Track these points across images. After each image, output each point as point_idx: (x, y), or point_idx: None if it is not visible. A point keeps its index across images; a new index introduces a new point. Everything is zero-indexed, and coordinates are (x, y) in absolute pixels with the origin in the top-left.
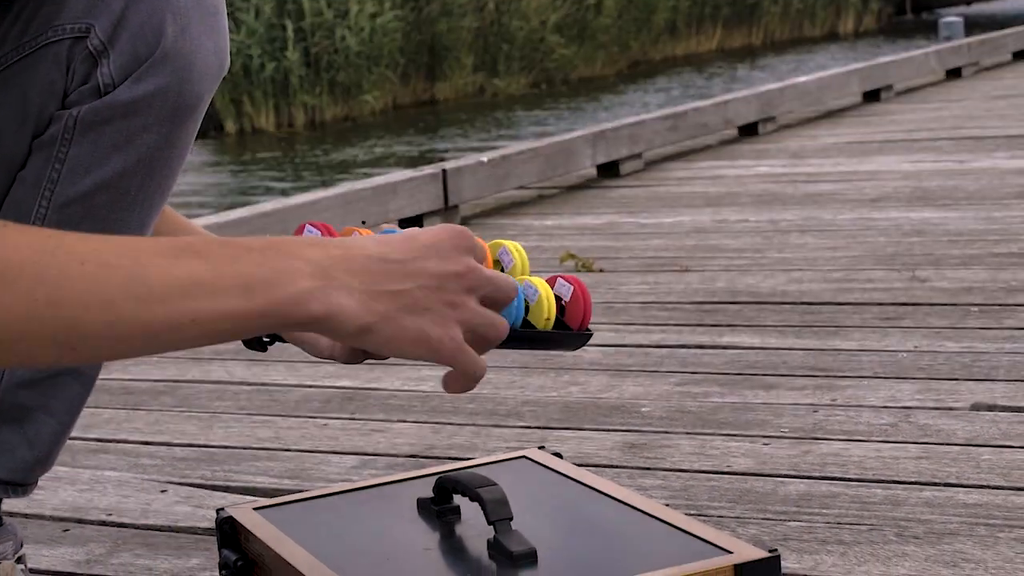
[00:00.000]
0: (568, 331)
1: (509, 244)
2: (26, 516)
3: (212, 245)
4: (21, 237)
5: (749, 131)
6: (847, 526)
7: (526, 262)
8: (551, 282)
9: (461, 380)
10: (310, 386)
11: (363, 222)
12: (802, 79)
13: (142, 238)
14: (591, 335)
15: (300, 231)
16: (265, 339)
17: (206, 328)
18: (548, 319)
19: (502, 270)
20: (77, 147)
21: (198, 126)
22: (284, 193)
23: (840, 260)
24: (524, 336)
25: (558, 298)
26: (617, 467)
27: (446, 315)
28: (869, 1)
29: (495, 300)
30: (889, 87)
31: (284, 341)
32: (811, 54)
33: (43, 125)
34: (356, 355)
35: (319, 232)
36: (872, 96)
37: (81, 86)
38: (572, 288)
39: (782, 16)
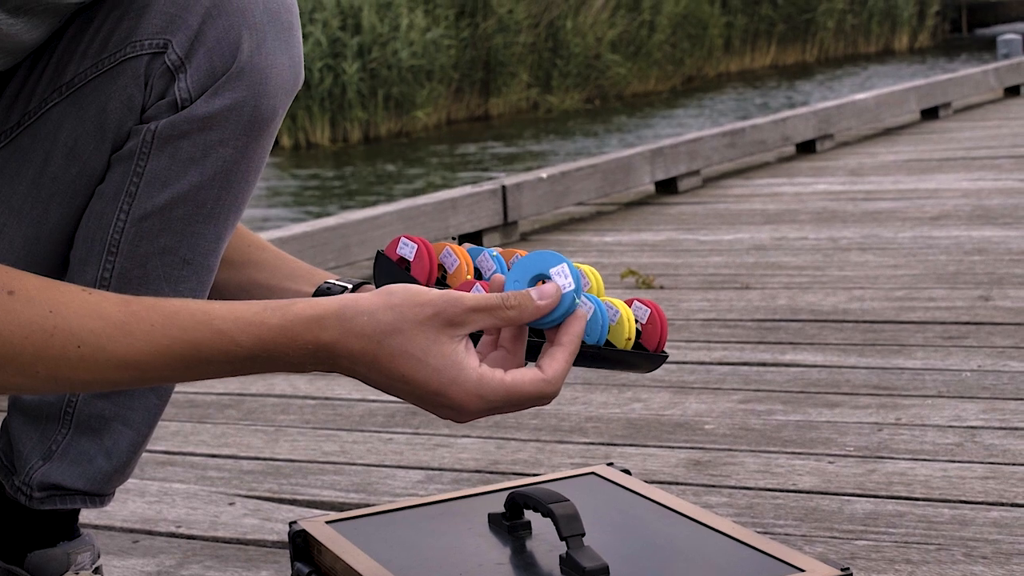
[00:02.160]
0: (646, 352)
1: (585, 268)
2: (96, 527)
3: (208, 336)
4: (23, 314)
5: (807, 148)
6: (915, 545)
7: (601, 283)
8: (628, 302)
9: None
10: (373, 400)
11: (454, 238)
12: (860, 96)
13: (137, 313)
14: (667, 357)
15: (395, 244)
16: None
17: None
18: (629, 339)
19: (580, 288)
20: (155, 161)
21: (273, 140)
22: (344, 207)
23: (901, 278)
24: (605, 355)
25: (635, 320)
26: (682, 484)
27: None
28: (925, 18)
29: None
30: (947, 105)
31: None
32: (866, 70)
33: (122, 139)
34: None
35: (415, 246)
36: (930, 114)
37: (159, 101)
38: (649, 311)
39: (836, 32)
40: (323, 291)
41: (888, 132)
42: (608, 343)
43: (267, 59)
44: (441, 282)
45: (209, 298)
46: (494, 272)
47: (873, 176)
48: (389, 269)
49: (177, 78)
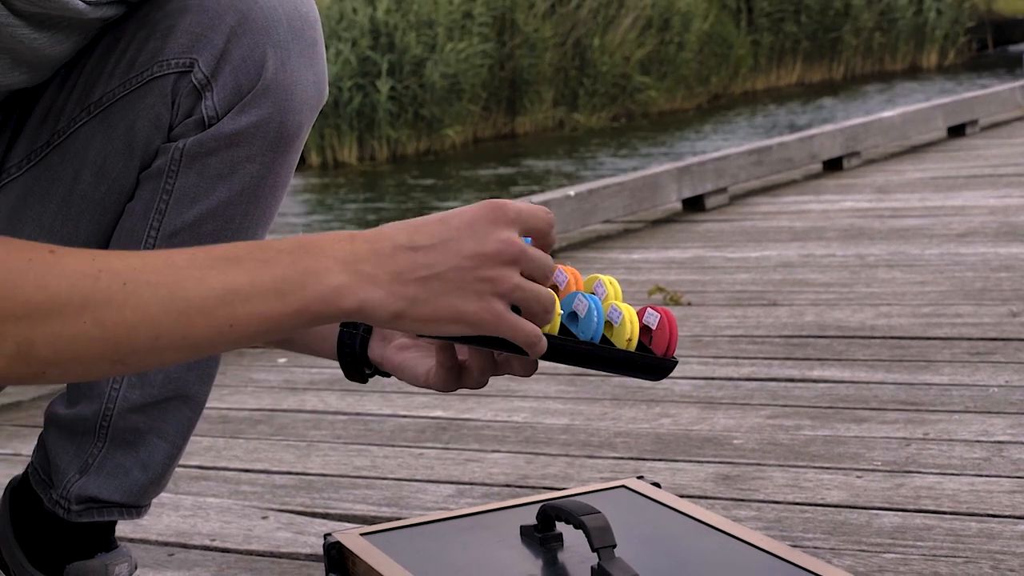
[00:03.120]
0: (650, 355)
1: (604, 278)
2: (132, 540)
3: (245, 250)
4: (67, 263)
5: (834, 166)
6: (942, 558)
7: (619, 292)
8: (641, 312)
9: (519, 363)
10: (404, 416)
11: None
12: (886, 114)
13: (178, 250)
14: (675, 363)
15: None
16: (367, 371)
17: (244, 331)
18: (630, 340)
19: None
20: (184, 178)
21: (299, 155)
22: (372, 224)
23: (928, 295)
24: (604, 355)
25: (647, 327)
26: (711, 498)
27: (482, 290)
28: (951, 35)
29: (532, 275)
30: (974, 122)
31: (385, 375)
32: (893, 88)
33: (150, 157)
34: (450, 382)
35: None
36: (957, 131)
37: (186, 119)
38: (660, 316)
39: (863, 50)
40: None
41: (915, 149)
42: (607, 341)
43: (292, 76)
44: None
45: None
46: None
47: (900, 193)
48: None
49: (204, 96)
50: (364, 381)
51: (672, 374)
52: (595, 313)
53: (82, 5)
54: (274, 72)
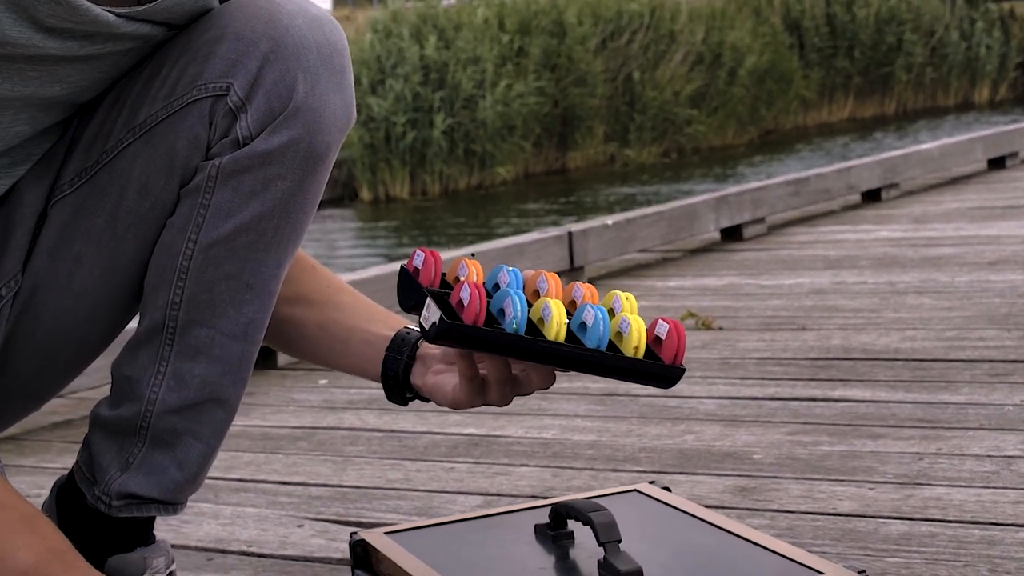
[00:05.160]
0: (657, 362)
1: (621, 294)
2: (173, 546)
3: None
4: None
5: (872, 197)
6: (943, 562)
7: (635, 307)
8: (653, 323)
9: (537, 375)
10: (438, 433)
11: (472, 254)
12: (925, 146)
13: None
14: (682, 370)
15: (413, 256)
16: (408, 395)
17: None
18: (637, 348)
19: (611, 312)
20: (220, 194)
21: (328, 174)
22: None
23: (954, 320)
24: (614, 362)
25: (657, 338)
26: (727, 508)
27: None
28: (1004, 70)
29: None
30: (1014, 154)
31: (425, 400)
32: (944, 123)
33: (189, 175)
34: (472, 395)
35: (424, 256)
36: (997, 163)
37: (222, 139)
38: (668, 327)
39: (915, 86)
40: (401, 337)
41: (954, 181)
42: (616, 350)
43: (321, 99)
44: (444, 286)
45: (288, 335)
46: (508, 284)
47: (936, 223)
48: (404, 278)
49: (239, 118)
50: (405, 404)
51: (698, 394)
52: (601, 323)
53: (113, 19)
54: (304, 95)
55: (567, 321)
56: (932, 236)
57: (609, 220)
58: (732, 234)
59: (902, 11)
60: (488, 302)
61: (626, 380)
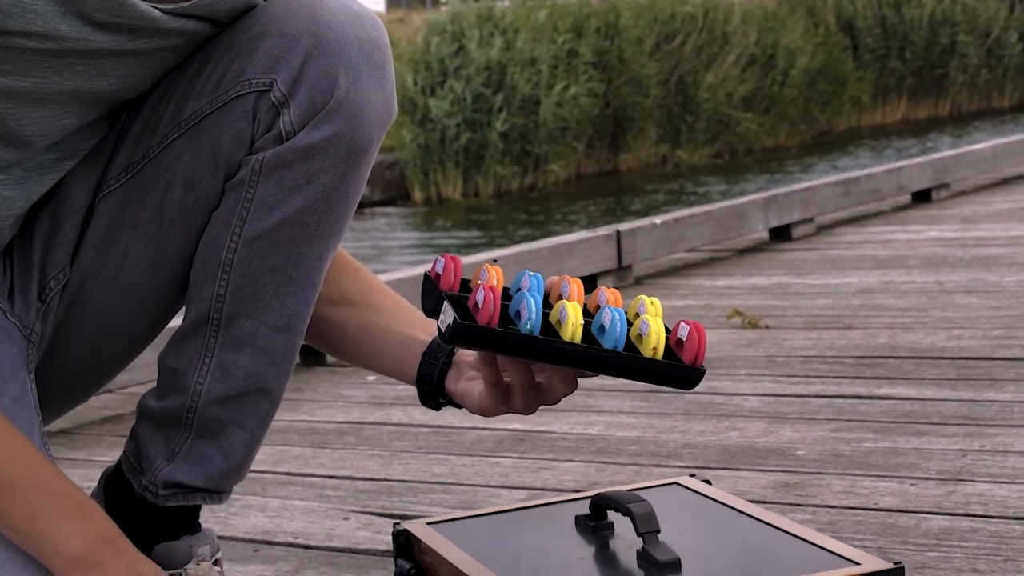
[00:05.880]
0: (677, 363)
1: (646, 298)
2: (220, 537)
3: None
4: None
5: (923, 197)
6: (983, 557)
7: (659, 310)
8: (675, 326)
9: (560, 380)
10: (484, 428)
11: (494, 260)
12: (977, 146)
13: (50, 467)
14: (702, 371)
15: (435, 262)
16: (441, 400)
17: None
18: (655, 349)
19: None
20: (263, 187)
21: (369, 168)
22: (468, 251)
23: (1002, 319)
24: (632, 363)
25: (680, 340)
26: (769, 503)
27: None
28: None
29: None
30: None
31: (457, 406)
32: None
33: (233, 169)
34: (496, 401)
35: (445, 263)
36: None
37: (266, 133)
38: (689, 328)
39: (970, 87)
40: (438, 343)
41: (1006, 181)
42: (634, 351)
43: (362, 94)
44: (466, 291)
45: (330, 336)
46: (529, 288)
47: (985, 223)
48: (427, 284)
49: (282, 113)
50: (437, 409)
51: (743, 391)
52: (618, 324)
53: (158, 14)
54: (346, 90)
55: (584, 323)
56: (981, 236)
57: (658, 219)
58: (781, 234)
59: (956, 13)
60: (507, 305)
61: (645, 381)
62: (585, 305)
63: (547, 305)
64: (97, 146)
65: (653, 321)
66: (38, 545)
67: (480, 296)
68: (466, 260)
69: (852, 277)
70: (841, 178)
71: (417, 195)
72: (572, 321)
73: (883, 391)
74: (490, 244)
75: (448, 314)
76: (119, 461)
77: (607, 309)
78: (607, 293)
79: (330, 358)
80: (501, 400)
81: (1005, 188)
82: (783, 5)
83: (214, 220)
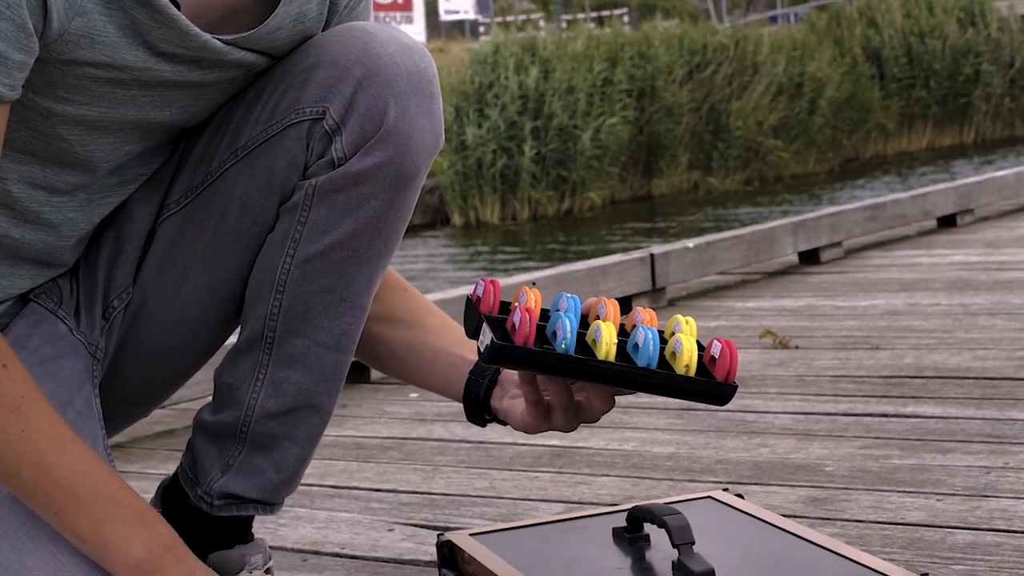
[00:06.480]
0: (709, 379)
1: (682, 319)
2: (270, 547)
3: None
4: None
5: (947, 222)
6: (1008, 570)
7: (694, 330)
8: (708, 345)
9: (598, 399)
10: (523, 444)
11: (533, 283)
12: (1001, 173)
13: (96, 460)
14: (734, 387)
15: (476, 286)
16: (487, 417)
17: (59, 525)
18: (688, 366)
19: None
20: (316, 211)
21: (417, 194)
22: (506, 273)
23: None
24: (665, 382)
25: (712, 358)
26: (798, 517)
27: None
28: None
29: None
30: None
31: (502, 423)
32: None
33: (288, 193)
34: (539, 419)
35: (485, 286)
36: None
37: (319, 159)
38: (722, 347)
39: (994, 115)
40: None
41: None
42: (667, 367)
43: (411, 123)
44: (504, 311)
45: (380, 354)
46: (567, 310)
47: (1009, 248)
48: (468, 307)
49: (334, 140)
50: (483, 425)
51: (774, 409)
52: (651, 343)
53: (220, 46)
54: (395, 119)
55: (618, 342)
56: (1005, 260)
57: (690, 243)
58: (810, 257)
59: (980, 43)
60: (544, 326)
61: (679, 398)
62: (622, 325)
63: (584, 326)
64: (159, 172)
65: (686, 339)
66: (102, 553)
67: (517, 317)
68: (505, 281)
69: (879, 299)
70: (868, 203)
71: (456, 219)
72: (606, 340)
73: (909, 409)
74: (528, 267)
75: (487, 335)
76: (176, 473)
77: (641, 328)
78: (643, 313)
79: (374, 375)
80: (542, 418)
81: None
82: (811, 35)
83: (269, 242)
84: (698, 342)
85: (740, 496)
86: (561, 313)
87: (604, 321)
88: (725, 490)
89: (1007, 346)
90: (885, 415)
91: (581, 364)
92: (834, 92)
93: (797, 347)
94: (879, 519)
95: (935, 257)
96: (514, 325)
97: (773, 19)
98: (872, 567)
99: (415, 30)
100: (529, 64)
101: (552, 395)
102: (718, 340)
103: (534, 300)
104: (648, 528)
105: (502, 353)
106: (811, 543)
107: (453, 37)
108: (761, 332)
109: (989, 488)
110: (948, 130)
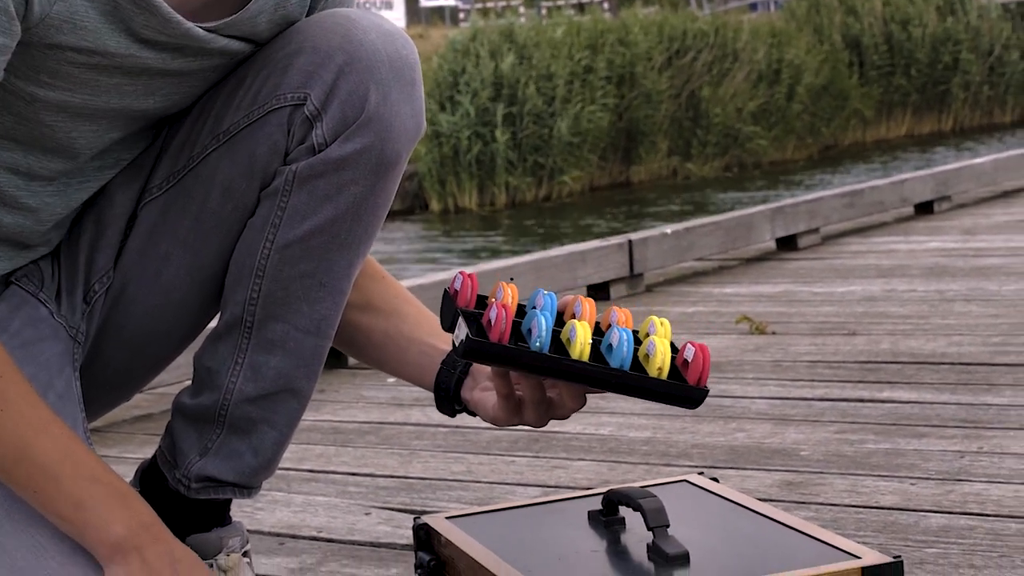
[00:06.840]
0: (680, 383)
1: (656, 319)
2: (248, 531)
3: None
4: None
5: (925, 209)
6: (980, 553)
7: (668, 332)
8: (683, 346)
9: (569, 396)
10: (499, 429)
11: (511, 279)
12: (978, 160)
13: (76, 441)
14: (705, 391)
15: (453, 279)
16: (456, 407)
17: (36, 502)
18: (660, 369)
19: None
20: (296, 197)
21: (398, 181)
22: (482, 260)
23: (1000, 326)
24: (637, 384)
25: (685, 361)
26: (774, 500)
27: None
28: None
29: None
30: None
31: (472, 414)
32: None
33: (268, 179)
34: (509, 413)
35: (462, 280)
36: None
37: (299, 145)
38: (695, 350)
39: (972, 103)
40: None
41: (1005, 194)
42: (640, 370)
43: (392, 110)
44: (480, 305)
45: (357, 341)
46: (543, 307)
47: (985, 235)
48: (445, 301)
49: (315, 126)
50: (452, 416)
51: (750, 394)
52: (625, 344)
53: (202, 33)
54: (376, 106)
55: (592, 341)
56: (981, 247)
57: (668, 229)
58: (787, 243)
59: (959, 31)
60: (520, 323)
61: (650, 399)
62: (597, 323)
63: (561, 323)
64: (141, 157)
65: (660, 342)
66: (82, 532)
67: (493, 314)
68: (482, 268)
69: (856, 285)
70: (846, 190)
71: (435, 205)
72: (581, 340)
73: (885, 395)
74: (507, 252)
75: (462, 330)
76: (154, 455)
77: (615, 329)
78: (619, 313)
79: (352, 360)
80: (513, 412)
81: (1004, 201)
82: (790, 22)
83: (249, 227)
84: (672, 344)
85: (715, 480)
86: (537, 311)
87: (580, 320)
88: (700, 474)
89: (982, 332)
90: (861, 400)
91: (555, 363)
92: (812, 79)
93: (774, 333)
94: (854, 503)
95: (912, 244)
96: (490, 321)
97: (753, 6)
98: (845, 549)
99: (395, 16)
100: (506, 51)
101: (524, 390)
102: (692, 343)
103: (511, 296)
104: (623, 511)
105: (476, 349)
106: (785, 526)
107: (433, 23)
108: (738, 318)
109: (963, 472)
110: (927, 117)
